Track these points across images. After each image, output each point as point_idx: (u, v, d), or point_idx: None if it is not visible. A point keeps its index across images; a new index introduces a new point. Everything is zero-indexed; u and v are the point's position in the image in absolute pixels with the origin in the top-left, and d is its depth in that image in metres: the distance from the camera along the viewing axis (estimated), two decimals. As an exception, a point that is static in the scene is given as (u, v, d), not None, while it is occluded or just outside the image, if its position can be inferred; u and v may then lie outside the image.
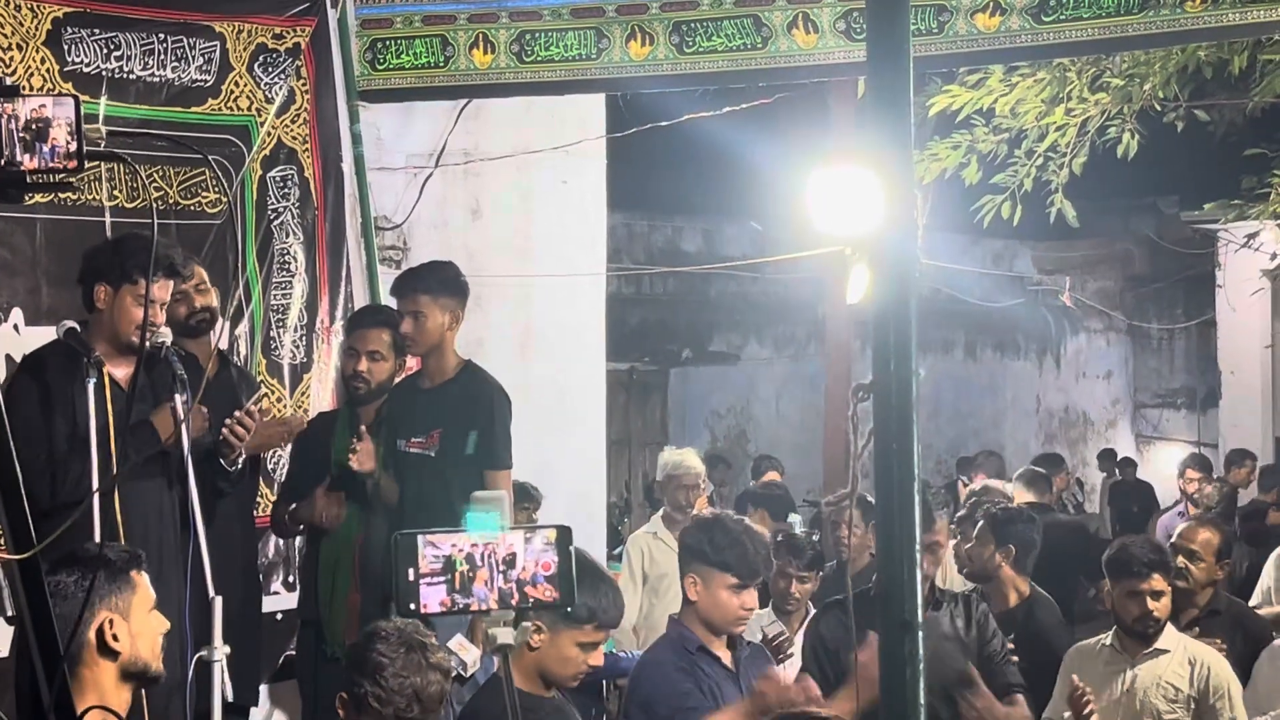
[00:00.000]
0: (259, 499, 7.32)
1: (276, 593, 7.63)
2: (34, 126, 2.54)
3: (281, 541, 7.77)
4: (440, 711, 4.65)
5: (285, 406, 7.89)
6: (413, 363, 7.18)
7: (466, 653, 6.17)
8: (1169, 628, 6.58)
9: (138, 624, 3.94)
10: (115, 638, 3.87)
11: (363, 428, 6.70)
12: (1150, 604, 6.47)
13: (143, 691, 4.36)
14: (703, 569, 5.50)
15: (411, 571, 3.24)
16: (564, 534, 3.31)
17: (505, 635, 3.33)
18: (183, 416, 5.64)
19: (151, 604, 4.02)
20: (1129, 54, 10.18)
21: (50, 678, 2.66)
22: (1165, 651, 6.48)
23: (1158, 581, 6.50)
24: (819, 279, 14.71)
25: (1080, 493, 22.90)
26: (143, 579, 4.02)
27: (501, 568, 3.27)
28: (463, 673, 6.19)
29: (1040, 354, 25.59)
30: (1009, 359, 25.11)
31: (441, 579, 3.24)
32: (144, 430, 5.72)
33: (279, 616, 7.56)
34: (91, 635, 3.85)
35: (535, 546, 3.29)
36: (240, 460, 6.05)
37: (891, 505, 2.74)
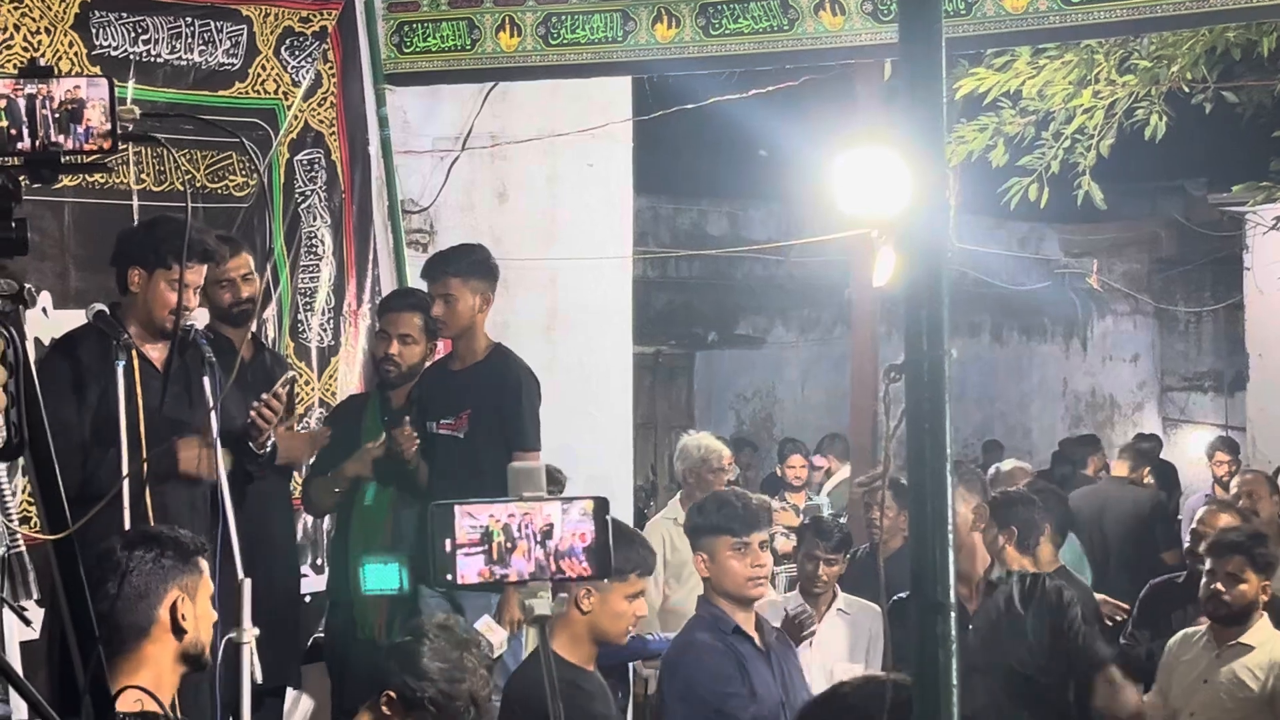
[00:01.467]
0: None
1: (305, 575, 7.65)
2: (68, 107, 2.55)
3: (309, 524, 7.79)
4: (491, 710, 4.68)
5: (313, 390, 7.91)
6: (443, 345, 7.20)
7: (493, 634, 6.19)
8: (1264, 624, 6.52)
9: (200, 608, 4.00)
10: (184, 617, 3.91)
11: (406, 420, 6.72)
12: (1220, 585, 6.46)
13: None
14: (703, 541, 5.59)
15: (448, 542, 3.23)
16: (601, 505, 3.31)
17: (542, 606, 3.33)
18: (212, 402, 5.66)
19: (211, 592, 4.07)
20: (1157, 35, 10.14)
21: (86, 659, 2.67)
22: (1250, 648, 6.44)
23: (1235, 564, 6.48)
24: (845, 262, 14.68)
25: (1107, 475, 22.81)
26: (205, 566, 4.07)
27: (539, 538, 3.26)
28: (489, 654, 6.23)
29: (1067, 337, 25.50)
30: (1035, 342, 25.02)
31: (479, 549, 3.24)
32: (166, 457, 5.71)
33: (308, 599, 7.59)
34: (164, 612, 3.89)
35: (572, 517, 3.29)
36: (269, 443, 6.06)
37: (924, 486, 2.73)
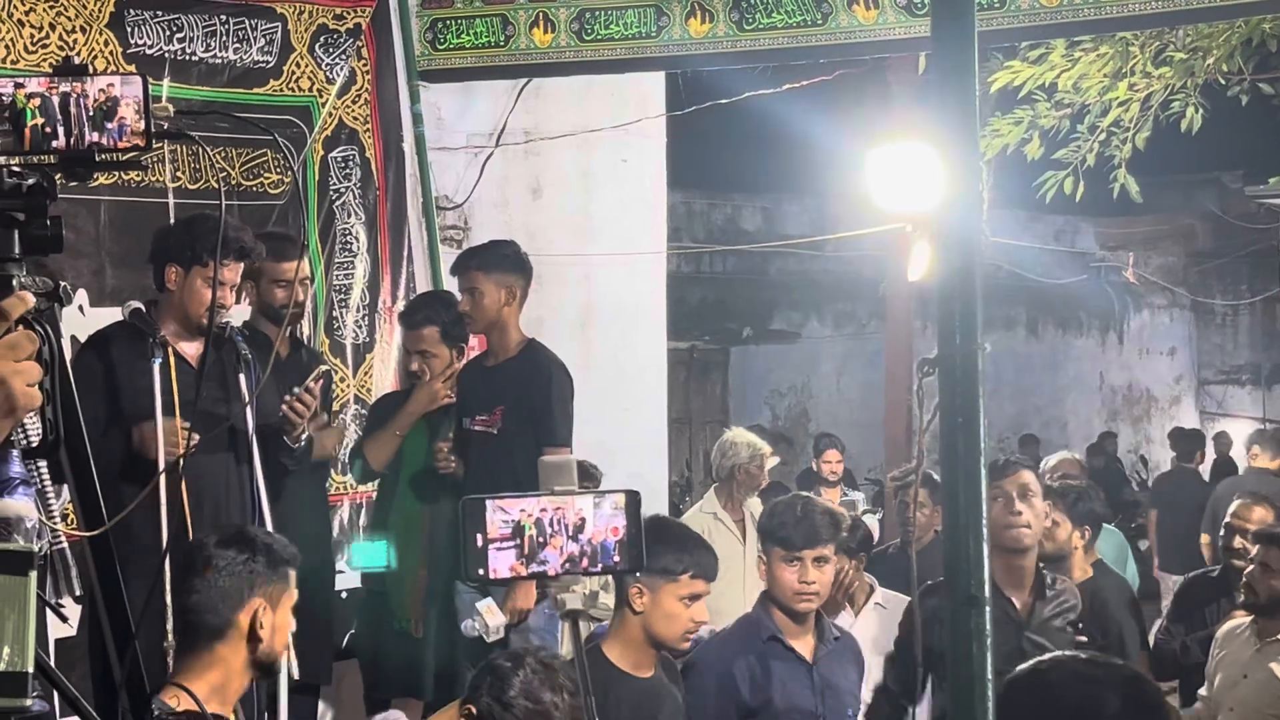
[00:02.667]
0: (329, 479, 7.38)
1: (341, 571, 7.66)
2: (103, 106, 2.56)
3: (345, 520, 7.81)
4: None
5: (348, 387, 7.93)
6: (476, 341, 7.22)
7: (492, 617, 6.23)
8: None
9: (280, 618, 3.98)
10: (262, 625, 3.92)
11: (447, 440, 6.77)
12: (1261, 575, 6.43)
13: None
14: (766, 546, 5.56)
15: (480, 537, 3.22)
16: (633, 498, 3.31)
17: (574, 600, 3.33)
18: (247, 397, 5.68)
19: (294, 601, 4.05)
20: (1192, 27, 10.09)
21: (122, 655, 2.68)
22: None
23: (1271, 556, 6.45)
24: (879, 256, 14.68)
25: (1144, 470, 22.77)
26: (293, 576, 4.06)
27: (571, 532, 3.26)
28: (485, 637, 6.25)
29: (1103, 330, 25.44)
30: (1071, 336, 24.97)
31: (511, 544, 3.24)
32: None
33: (343, 595, 7.60)
34: (244, 618, 3.89)
35: (605, 511, 3.29)
36: (304, 438, 6.08)
37: (957, 480, 2.72)
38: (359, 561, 6.91)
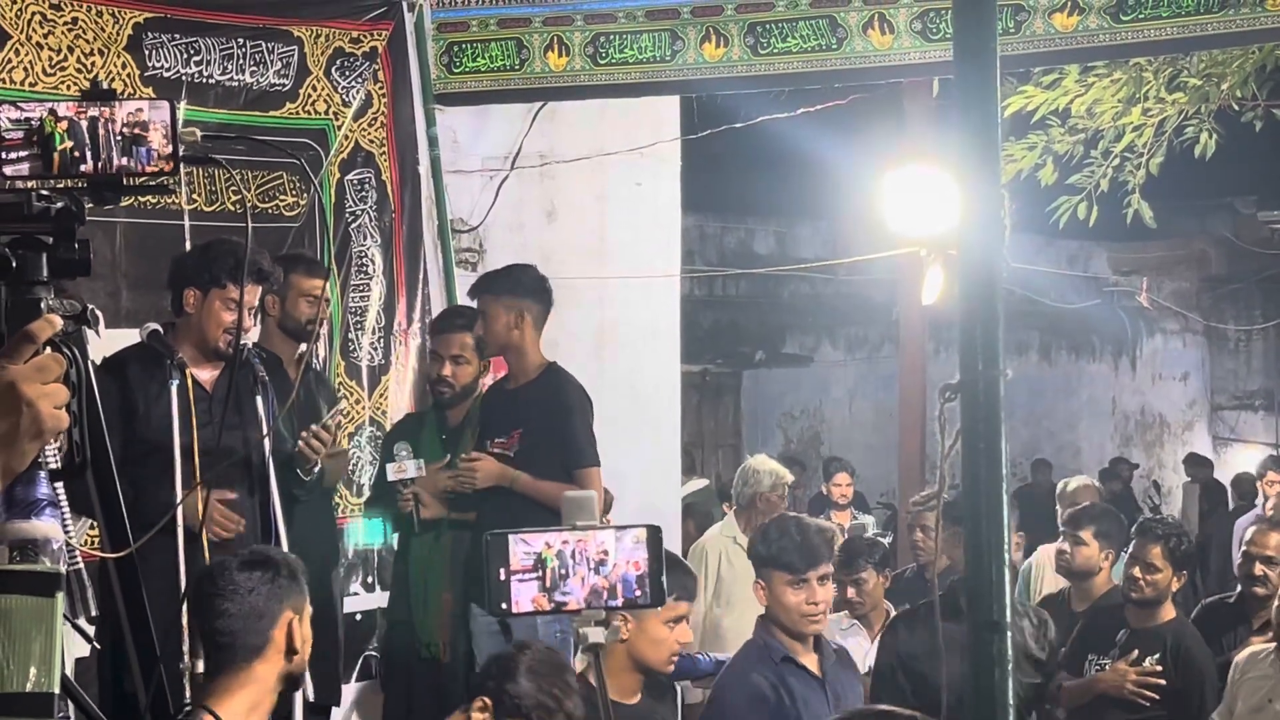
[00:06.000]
0: (337, 500, 7.38)
1: (355, 593, 7.67)
2: (130, 130, 2.58)
3: (359, 542, 7.82)
4: None
5: (364, 409, 7.94)
6: (495, 365, 7.24)
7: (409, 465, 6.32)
8: None
9: (307, 630, 4.04)
10: (296, 637, 3.97)
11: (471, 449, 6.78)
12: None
13: None
14: (765, 571, 5.55)
15: (503, 570, 3.25)
16: (654, 533, 3.33)
17: (596, 634, 3.34)
18: (265, 424, 5.70)
19: (311, 613, 4.10)
20: (1207, 53, 10.10)
21: (147, 678, 2.69)
22: None
23: None
24: (893, 280, 14.67)
25: (1157, 495, 22.71)
26: (307, 589, 4.11)
27: (593, 566, 3.28)
28: (391, 472, 6.31)
29: (1116, 355, 25.39)
30: (1084, 361, 24.92)
31: (533, 576, 3.26)
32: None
33: (358, 617, 7.60)
34: (279, 633, 3.93)
35: (626, 545, 3.31)
36: (316, 469, 6.09)
37: (980, 505, 2.73)
38: (366, 539, 6.95)
